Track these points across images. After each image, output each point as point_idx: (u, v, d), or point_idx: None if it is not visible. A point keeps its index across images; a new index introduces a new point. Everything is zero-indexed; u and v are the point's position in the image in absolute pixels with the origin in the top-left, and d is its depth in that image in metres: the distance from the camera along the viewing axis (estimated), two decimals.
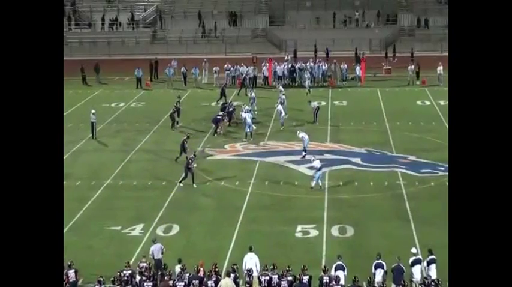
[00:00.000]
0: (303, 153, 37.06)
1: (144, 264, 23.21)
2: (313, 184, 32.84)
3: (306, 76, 53.01)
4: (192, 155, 34.43)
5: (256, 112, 45.38)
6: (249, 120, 40.65)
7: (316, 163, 32.89)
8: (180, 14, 74.28)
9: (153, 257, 24.14)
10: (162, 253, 24.20)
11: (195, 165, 33.94)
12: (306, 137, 37.26)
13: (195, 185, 33.36)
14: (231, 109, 43.94)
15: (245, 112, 41.58)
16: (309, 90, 51.48)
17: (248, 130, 40.76)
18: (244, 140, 40.53)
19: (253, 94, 47.20)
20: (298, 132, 38.09)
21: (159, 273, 23.13)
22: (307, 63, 55.54)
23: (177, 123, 43.61)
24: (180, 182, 33.54)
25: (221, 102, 47.08)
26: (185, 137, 37.51)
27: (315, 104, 45.25)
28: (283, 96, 45.42)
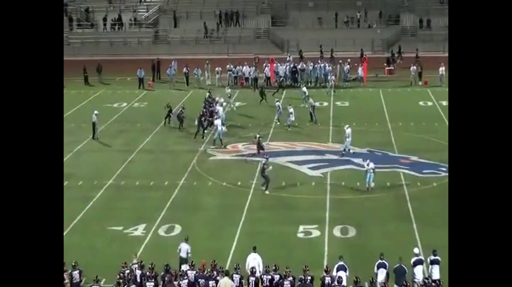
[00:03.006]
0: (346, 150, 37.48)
1: (136, 265, 23.19)
2: (371, 185, 32.55)
3: (330, 77, 53.56)
4: (265, 160, 33.59)
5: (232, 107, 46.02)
6: (219, 128, 40.11)
7: (372, 164, 32.72)
8: (183, 15, 74.25)
9: (179, 254, 24.41)
10: (187, 254, 24.34)
11: (270, 167, 33.00)
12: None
13: (267, 192, 32.57)
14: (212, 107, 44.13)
15: (216, 119, 41.41)
16: (334, 91, 51.62)
17: (215, 136, 40.27)
18: (212, 146, 39.94)
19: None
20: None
21: (166, 275, 23.04)
22: (309, 64, 55.68)
23: (169, 122, 43.94)
24: (266, 189, 32.63)
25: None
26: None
27: (311, 102, 45.11)
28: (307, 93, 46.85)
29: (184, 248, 24.58)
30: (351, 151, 37.56)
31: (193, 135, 41.03)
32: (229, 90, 48.45)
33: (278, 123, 43.34)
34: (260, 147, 37.69)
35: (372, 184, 32.52)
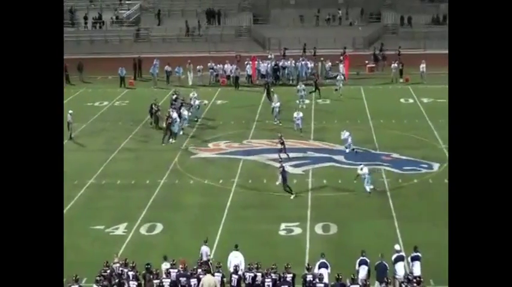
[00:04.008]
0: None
1: (117, 264, 23.14)
2: (368, 189, 32.09)
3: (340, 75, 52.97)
4: (281, 161, 33.68)
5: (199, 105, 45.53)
6: (175, 127, 40.30)
7: (365, 169, 32.47)
8: (164, 13, 74.06)
9: (201, 258, 24.13)
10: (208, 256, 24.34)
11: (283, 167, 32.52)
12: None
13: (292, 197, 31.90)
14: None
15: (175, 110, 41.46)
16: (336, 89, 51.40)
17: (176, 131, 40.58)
18: (172, 140, 40.21)
19: None
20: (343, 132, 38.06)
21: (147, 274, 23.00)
22: (291, 61, 55.72)
23: (157, 122, 43.47)
24: (291, 192, 31.95)
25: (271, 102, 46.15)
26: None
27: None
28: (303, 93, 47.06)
29: (205, 251, 24.44)
30: (354, 151, 37.56)
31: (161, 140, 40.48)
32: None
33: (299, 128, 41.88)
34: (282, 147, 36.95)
35: (368, 188, 31.92)
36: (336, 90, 50.52)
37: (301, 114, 41.46)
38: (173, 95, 46.57)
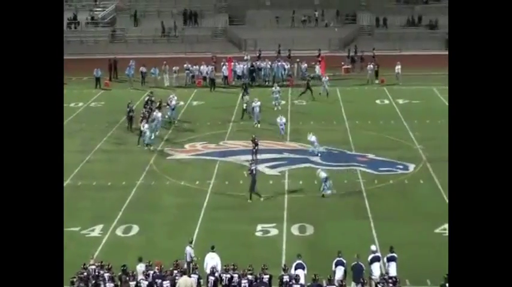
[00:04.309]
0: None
1: (93, 266, 23.04)
2: (328, 192, 31.95)
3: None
4: (251, 163, 32.98)
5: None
6: (147, 133, 39.38)
7: (322, 173, 32.41)
8: (140, 14, 73.80)
9: (186, 259, 24.12)
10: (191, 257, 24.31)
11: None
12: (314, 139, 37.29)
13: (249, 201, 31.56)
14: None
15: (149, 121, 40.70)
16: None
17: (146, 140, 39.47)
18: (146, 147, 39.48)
19: None
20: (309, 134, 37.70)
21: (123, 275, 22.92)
22: (267, 63, 55.80)
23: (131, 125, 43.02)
24: (250, 198, 31.60)
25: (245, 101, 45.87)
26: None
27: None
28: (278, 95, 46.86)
29: (189, 252, 24.44)
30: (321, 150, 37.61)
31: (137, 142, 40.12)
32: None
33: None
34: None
35: (327, 192, 31.82)
36: (320, 94, 50.35)
37: (284, 119, 41.27)
38: (147, 96, 46.33)
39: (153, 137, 39.69)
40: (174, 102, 44.86)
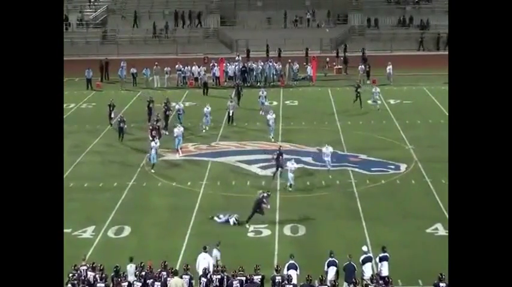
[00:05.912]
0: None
1: (84, 267, 22.98)
2: (288, 183, 32.76)
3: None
4: (266, 194, 29.57)
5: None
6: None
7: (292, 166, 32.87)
8: (131, 14, 73.70)
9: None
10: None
11: (268, 206, 29.48)
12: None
13: (247, 226, 29.14)
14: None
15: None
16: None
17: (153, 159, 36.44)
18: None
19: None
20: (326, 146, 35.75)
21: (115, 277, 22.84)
22: (258, 63, 55.81)
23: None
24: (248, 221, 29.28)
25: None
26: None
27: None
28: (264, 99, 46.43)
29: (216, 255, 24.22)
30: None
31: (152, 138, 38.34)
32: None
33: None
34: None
35: (289, 183, 32.65)
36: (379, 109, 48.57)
37: (274, 115, 41.21)
38: (147, 102, 44.81)
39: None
40: (177, 107, 44.48)
